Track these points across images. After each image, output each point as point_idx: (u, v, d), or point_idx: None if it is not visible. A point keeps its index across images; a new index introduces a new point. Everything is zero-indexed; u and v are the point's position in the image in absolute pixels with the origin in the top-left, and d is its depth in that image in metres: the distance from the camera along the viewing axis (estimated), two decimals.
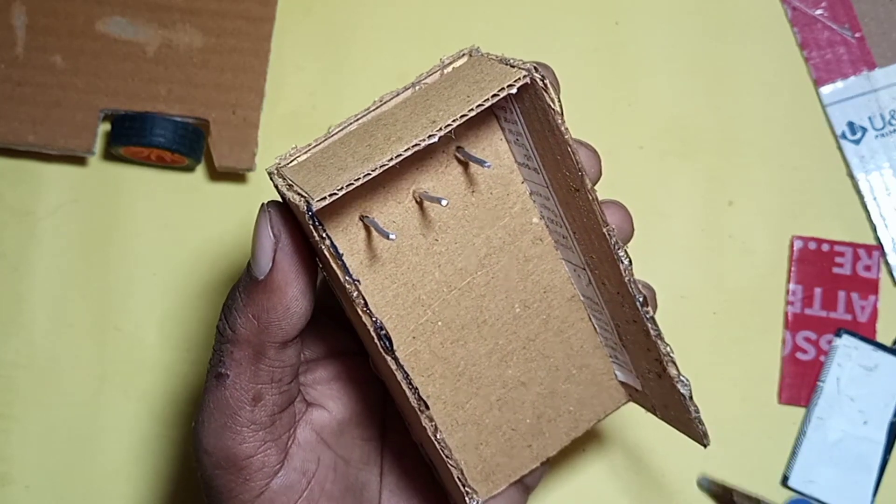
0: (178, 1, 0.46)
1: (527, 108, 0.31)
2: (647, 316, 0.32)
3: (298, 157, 0.32)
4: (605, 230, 0.31)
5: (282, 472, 0.32)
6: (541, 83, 0.29)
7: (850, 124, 0.48)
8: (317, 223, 0.28)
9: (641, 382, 0.35)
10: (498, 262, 0.34)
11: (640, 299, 0.32)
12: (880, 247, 0.47)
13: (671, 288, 0.47)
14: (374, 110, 0.33)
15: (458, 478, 0.30)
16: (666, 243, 0.48)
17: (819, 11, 0.49)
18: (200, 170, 0.48)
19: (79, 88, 0.45)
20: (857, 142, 0.48)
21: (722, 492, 0.29)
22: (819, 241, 0.47)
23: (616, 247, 0.32)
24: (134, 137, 0.45)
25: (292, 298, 0.30)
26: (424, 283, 0.33)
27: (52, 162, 0.47)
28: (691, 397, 0.33)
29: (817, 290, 0.47)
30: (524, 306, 0.35)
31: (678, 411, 0.34)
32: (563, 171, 0.32)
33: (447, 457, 0.30)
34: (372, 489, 0.35)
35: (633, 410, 0.40)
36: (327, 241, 0.28)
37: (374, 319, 0.29)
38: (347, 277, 0.28)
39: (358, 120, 0.32)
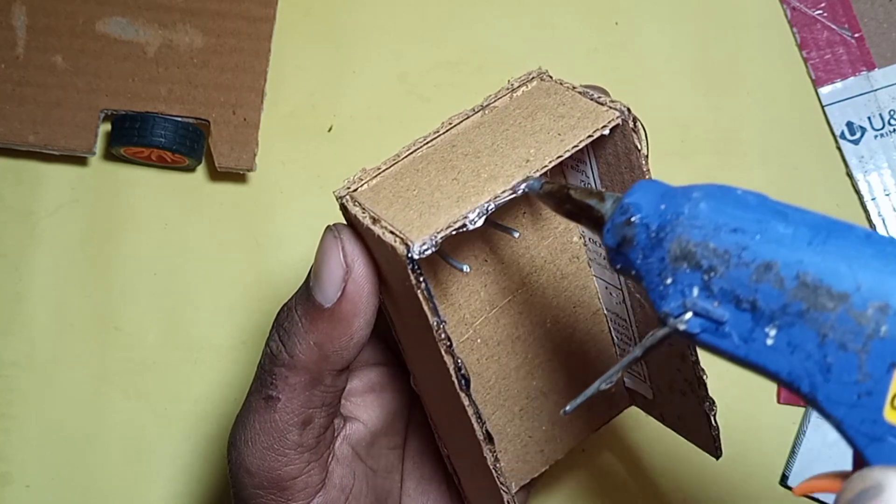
0: (179, 1, 0.46)
1: (605, 143, 0.30)
2: (692, 347, 0.32)
3: (369, 181, 0.30)
4: None
5: (322, 490, 0.31)
6: (631, 124, 0.29)
7: (850, 124, 0.48)
8: (416, 269, 0.26)
9: (654, 393, 0.35)
10: (538, 279, 0.34)
11: None
12: None
13: None
14: (443, 133, 0.31)
15: (508, 502, 0.30)
16: None
17: (818, 12, 0.49)
18: (200, 170, 0.48)
19: (79, 88, 0.45)
20: (856, 142, 0.48)
21: (557, 189, 0.26)
22: None
23: None
24: (134, 137, 0.45)
25: (357, 329, 0.29)
26: (470, 303, 0.33)
27: (52, 162, 0.47)
28: (715, 417, 0.33)
29: None
30: (554, 321, 0.35)
31: (694, 425, 0.34)
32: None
33: (501, 484, 0.30)
34: (394, 496, 0.35)
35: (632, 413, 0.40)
36: (423, 286, 0.26)
37: (456, 360, 0.27)
38: (436, 319, 0.27)
39: (427, 144, 0.31)
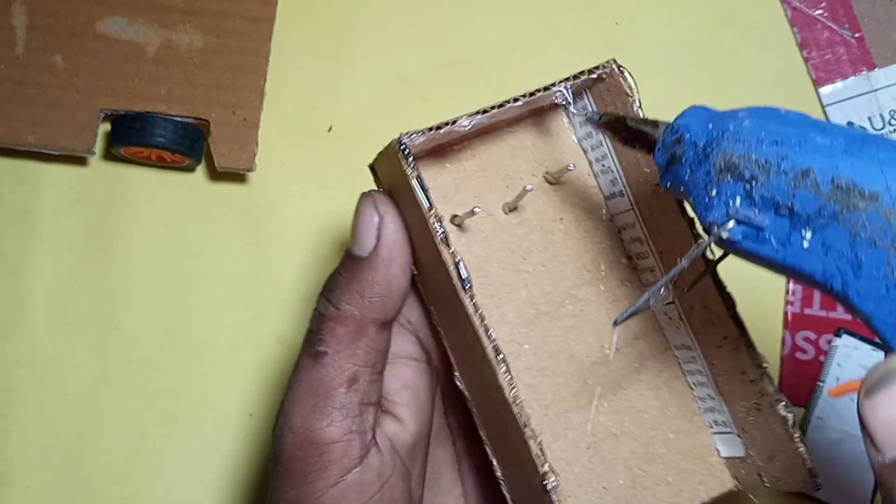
0: (179, 1, 0.46)
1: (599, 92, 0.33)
2: (740, 321, 0.32)
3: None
4: (689, 229, 0.31)
5: (359, 467, 0.31)
6: (618, 70, 0.32)
7: (850, 124, 0.48)
8: (405, 152, 0.30)
9: (743, 441, 0.33)
10: (586, 296, 0.33)
11: (727, 297, 0.32)
12: None
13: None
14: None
15: None
16: None
17: (819, 11, 0.49)
18: (200, 170, 0.48)
19: (79, 88, 0.45)
20: None
21: (614, 119, 0.30)
22: None
23: (699, 245, 0.29)
24: (134, 137, 0.45)
25: (395, 275, 0.31)
26: (511, 299, 0.32)
27: (52, 162, 0.47)
28: (793, 423, 0.31)
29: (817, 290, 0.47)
30: (614, 348, 0.34)
31: (783, 455, 0.32)
32: (643, 169, 0.32)
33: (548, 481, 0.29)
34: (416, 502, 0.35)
35: None
36: (415, 172, 0.29)
37: (454, 256, 0.29)
38: (428, 205, 0.29)
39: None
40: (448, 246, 0.29)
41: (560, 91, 0.33)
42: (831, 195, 0.24)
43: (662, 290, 0.29)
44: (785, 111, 0.27)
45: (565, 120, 0.35)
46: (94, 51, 0.46)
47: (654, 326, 0.34)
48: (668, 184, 0.28)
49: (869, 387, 0.22)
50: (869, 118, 0.48)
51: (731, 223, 0.25)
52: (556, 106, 0.34)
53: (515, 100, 0.31)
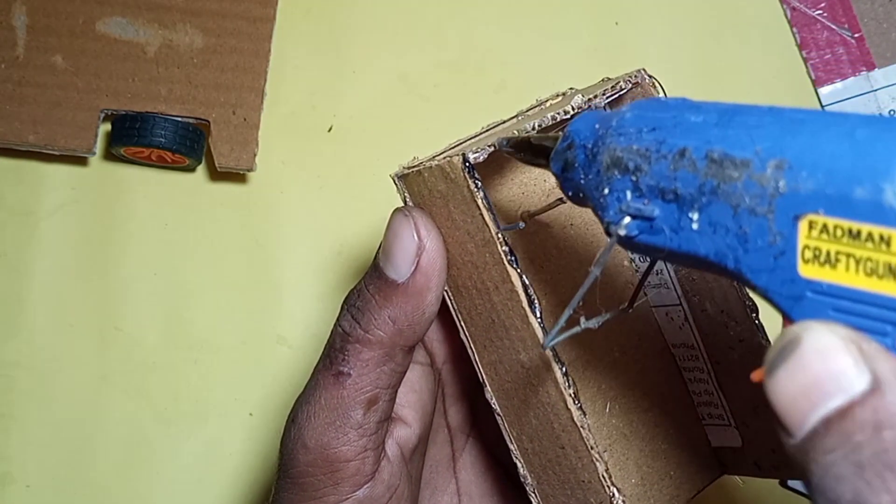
0: (179, 1, 0.46)
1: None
2: (758, 323, 0.31)
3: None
4: None
5: (371, 483, 0.31)
6: (648, 81, 0.31)
7: None
8: (471, 171, 0.28)
9: (741, 432, 0.33)
10: (596, 301, 0.33)
11: (750, 304, 0.31)
12: None
13: None
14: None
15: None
16: None
17: (818, 12, 0.49)
18: (200, 170, 0.48)
19: (79, 88, 0.45)
20: None
21: (520, 139, 0.29)
22: None
23: None
24: (134, 137, 0.45)
25: (429, 303, 0.30)
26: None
27: (52, 162, 0.47)
28: None
29: None
30: (622, 351, 0.34)
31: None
32: None
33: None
34: None
35: None
36: (480, 192, 0.28)
37: (521, 277, 0.28)
38: (496, 227, 0.28)
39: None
40: (516, 269, 0.28)
41: (599, 101, 0.32)
42: (707, 170, 0.22)
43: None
44: (666, 98, 0.25)
45: None
46: (94, 51, 0.46)
47: (653, 327, 0.35)
48: (569, 192, 0.27)
49: (769, 365, 0.20)
50: None
51: (626, 219, 0.24)
52: None
53: (558, 113, 0.30)
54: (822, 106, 0.49)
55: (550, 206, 0.32)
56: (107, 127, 0.47)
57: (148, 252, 0.47)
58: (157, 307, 0.47)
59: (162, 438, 0.46)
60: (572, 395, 0.28)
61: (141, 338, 0.47)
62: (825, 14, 0.49)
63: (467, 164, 0.28)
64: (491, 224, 0.28)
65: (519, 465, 0.32)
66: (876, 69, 0.48)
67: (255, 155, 0.45)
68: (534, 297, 0.28)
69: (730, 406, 0.34)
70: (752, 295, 0.32)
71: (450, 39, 0.49)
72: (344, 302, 0.31)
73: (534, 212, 0.32)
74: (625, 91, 0.32)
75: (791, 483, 0.45)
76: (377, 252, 0.31)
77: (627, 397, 0.34)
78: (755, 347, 0.32)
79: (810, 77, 0.49)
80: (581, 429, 0.28)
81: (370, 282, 0.31)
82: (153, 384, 0.47)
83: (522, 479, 0.32)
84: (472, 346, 0.32)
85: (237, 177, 0.48)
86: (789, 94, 0.49)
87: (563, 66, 0.50)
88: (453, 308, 0.32)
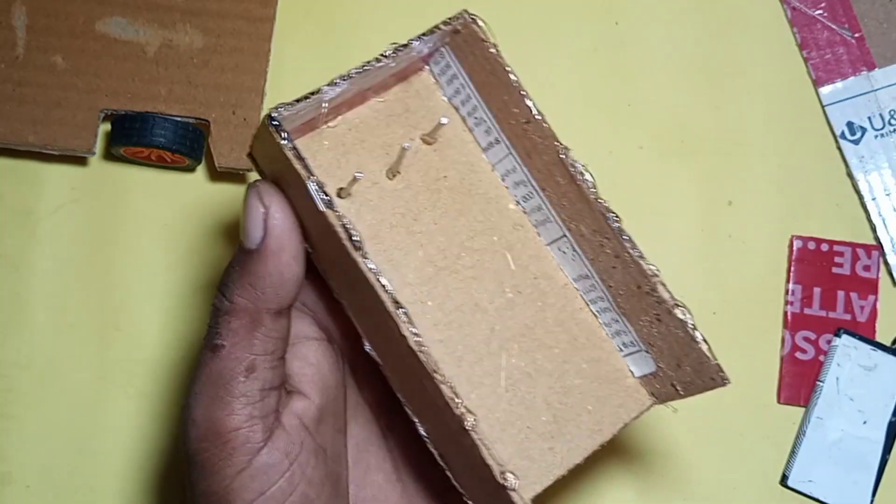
0: (179, 1, 0.46)
1: (470, 63, 0.34)
2: (624, 236, 0.32)
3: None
4: (557, 149, 0.32)
5: (265, 449, 0.32)
6: (471, 21, 0.33)
7: (850, 124, 0.48)
8: (278, 126, 0.30)
9: (652, 356, 0.34)
10: (480, 244, 0.34)
11: (612, 215, 0.32)
12: (879, 247, 0.47)
13: (670, 288, 0.47)
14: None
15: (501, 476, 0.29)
16: (665, 243, 0.48)
17: (818, 12, 0.49)
18: (200, 170, 0.48)
19: (79, 88, 0.45)
20: (856, 142, 0.48)
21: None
22: (818, 241, 0.47)
23: (573, 165, 0.32)
24: (134, 137, 0.45)
25: (286, 264, 0.31)
26: (408, 261, 0.33)
27: (52, 162, 0.47)
28: (693, 326, 0.32)
29: (816, 290, 0.47)
30: (516, 291, 0.34)
31: (689, 359, 0.32)
32: (511, 111, 0.33)
33: (486, 448, 0.29)
34: (343, 482, 0.35)
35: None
36: (289, 144, 0.30)
37: (341, 219, 0.30)
38: (307, 174, 0.30)
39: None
40: (333, 210, 0.30)
41: (416, 45, 0.34)
42: None
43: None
44: None
45: (433, 81, 0.36)
46: (94, 51, 0.46)
47: (550, 264, 0.35)
48: None
49: None
50: (869, 118, 0.48)
51: None
52: (421, 69, 0.36)
53: (378, 60, 0.32)
54: (823, 106, 0.49)
55: (400, 159, 0.33)
56: (107, 127, 0.47)
57: (148, 252, 0.47)
58: (156, 307, 0.47)
59: (162, 438, 0.46)
60: (405, 321, 0.29)
61: (141, 338, 0.47)
62: (825, 14, 0.49)
63: (273, 120, 0.30)
64: (301, 171, 0.30)
65: (408, 411, 0.33)
66: (876, 69, 0.48)
67: None
68: (356, 236, 0.29)
69: (634, 329, 0.34)
70: (605, 202, 0.33)
71: None
72: (219, 283, 0.33)
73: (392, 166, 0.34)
74: (447, 29, 0.34)
75: (791, 483, 0.45)
76: None
77: (528, 336, 0.34)
78: (630, 262, 0.32)
79: (810, 77, 0.49)
80: (419, 353, 0.29)
81: (233, 258, 0.32)
82: (153, 384, 0.47)
83: (417, 428, 0.33)
84: (342, 300, 0.33)
85: (237, 177, 0.48)
86: (789, 94, 0.49)
87: (564, 66, 0.50)
88: (321, 270, 0.33)
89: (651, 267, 0.32)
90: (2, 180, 0.47)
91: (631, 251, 0.32)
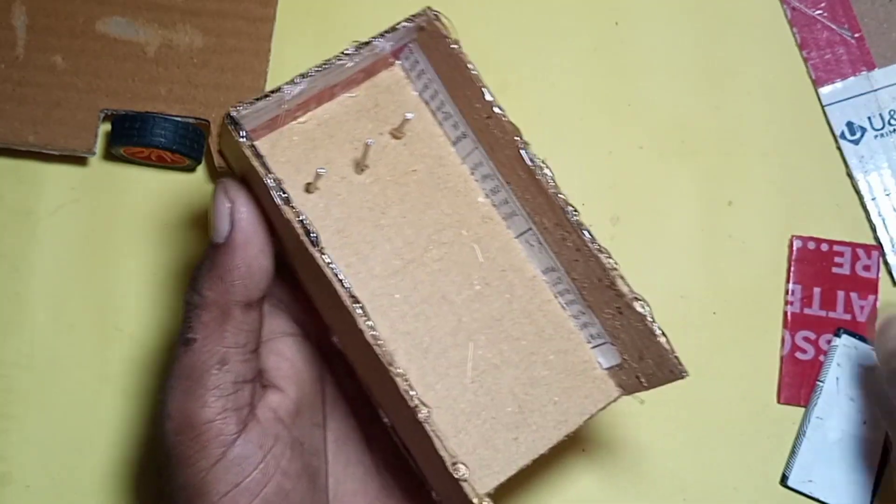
0: (179, 1, 0.46)
1: (436, 59, 0.34)
2: (583, 230, 0.32)
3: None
4: (517, 144, 0.32)
5: (239, 441, 0.32)
6: (434, 19, 0.33)
7: (850, 124, 0.48)
8: (236, 125, 0.31)
9: (617, 347, 0.34)
10: (449, 237, 0.34)
11: (570, 209, 0.32)
12: (879, 247, 0.47)
13: (670, 288, 0.47)
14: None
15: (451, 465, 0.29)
16: (665, 243, 0.48)
17: (818, 12, 0.49)
18: (200, 170, 0.48)
19: (79, 88, 0.45)
20: (856, 142, 0.48)
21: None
22: (818, 241, 0.47)
23: (532, 158, 0.32)
24: (134, 137, 0.45)
25: (253, 256, 0.32)
26: (376, 254, 0.34)
27: (52, 162, 0.47)
28: (653, 318, 0.32)
29: (816, 290, 0.47)
30: (484, 283, 0.35)
31: (650, 351, 0.33)
32: (474, 105, 0.33)
33: (438, 438, 0.29)
34: (322, 476, 0.36)
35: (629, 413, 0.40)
36: (248, 142, 0.31)
37: (300, 216, 0.30)
38: (267, 173, 0.30)
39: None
40: (290, 206, 0.30)
41: (379, 43, 0.34)
42: None
43: None
44: None
45: (403, 76, 0.36)
46: (94, 51, 0.46)
47: (518, 257, 0.35)
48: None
49: None
50: (869, 118, 0.48)
51: None
52: (392, 64, 0.36)
53: (338, 58, 0.33)
54: (822, 106, 0.49)
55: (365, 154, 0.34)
56: (107, 127, 0.47)
57: (148, 252, 0.47)
58: (156, 307, 0.47)
59: None
60: (361, 315, 0.29)
61: (141, 338, 0.47)
62: (825, 14, 0.49)
63: (230, 119, 0.30)
64: (259, 168, 0.30)
65: (373, 401, 0.33)
66: (876, 69, 0.48)
67: None
68: (312, 228, 0.30)
69: (600, 321, 0.34)
70: (564, 196, 0.33)
71: None
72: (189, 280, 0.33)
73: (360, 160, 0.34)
74: (410, 26, 0.34)
75: (791, 483, 0.45)
76: None
77: (495, 328, 0.34)
78: (590, 256, 0.33)
79: (810, 77, 0.49)
80: (374, 346, 0.29)
81: (204, 254, 0.33)
82: (153, 384, 0.47)
83: (389, 426, 0.33)
84: (311, 294, 0.34)
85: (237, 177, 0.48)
86: (789, 94, 0.49)
87: (563, 66, 0.50)
88: (292, 266, 0.34)
89: (610, 261, 0.33)
90: (2, 180, 0.47)
91: (590, 245, 0.33)
